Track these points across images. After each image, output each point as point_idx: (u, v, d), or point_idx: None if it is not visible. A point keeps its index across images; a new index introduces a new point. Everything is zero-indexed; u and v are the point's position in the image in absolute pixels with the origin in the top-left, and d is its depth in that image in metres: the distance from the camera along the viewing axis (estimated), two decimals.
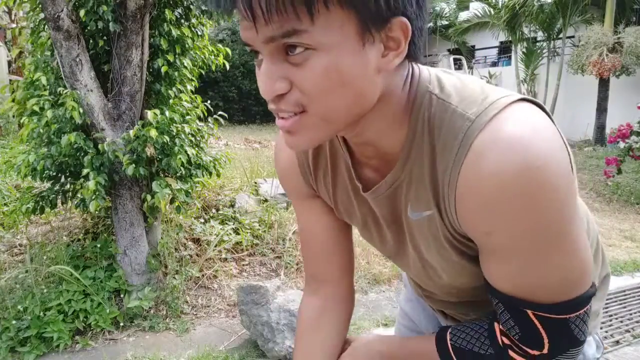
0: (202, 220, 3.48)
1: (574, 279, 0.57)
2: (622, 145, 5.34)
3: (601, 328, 2.60)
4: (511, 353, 0.63)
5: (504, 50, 15.95)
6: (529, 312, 0.59)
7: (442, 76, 0.61)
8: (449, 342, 0.70)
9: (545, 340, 0.60)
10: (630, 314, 2.82)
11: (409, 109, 0.60)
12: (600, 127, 10.50)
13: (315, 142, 0.57)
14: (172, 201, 2.76)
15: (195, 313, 2.75)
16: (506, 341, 0.64)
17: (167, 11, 2.69)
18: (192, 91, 3.12)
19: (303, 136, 0.56)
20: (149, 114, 2.46)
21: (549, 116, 0.56)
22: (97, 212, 2.56)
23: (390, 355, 0.76)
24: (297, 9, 0.46)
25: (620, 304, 2.95)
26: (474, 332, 0.68)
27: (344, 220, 0.81)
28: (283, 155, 0.79)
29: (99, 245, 2.74)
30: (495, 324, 0.66)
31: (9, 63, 7.94)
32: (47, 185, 2.77)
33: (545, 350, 0.60)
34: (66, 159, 2.47)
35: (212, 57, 3.14)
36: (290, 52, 0.50)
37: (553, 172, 0.50)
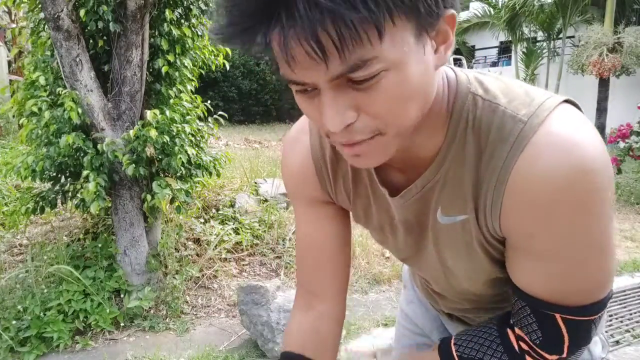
0: (202, 220, 3.48)
1: (603, 282, 0.57)
2: (622, 145, 5.34)
3: None
4: (528, 359, 0.62)
5: (504, 50, 15.96)
6: (557, 316, 0.58)
7: (481, 78, 0.60)
8: (454, 353, 0.67)
9: (566, 344, 0.59)
10: (630, 314, 2.82)
11: (448, 110, 0.58)
12: (600, 127, 10.49)
13: (387, 158, 0.55)
14: (172, 201, 2.76)
15: (195, 313, 2.75)
16: (524, 346, 0.62)
17: (167, 11, 2.69)
18: (192, 91, 3.12)
19: (375, 156, 0.53)
20: (149, 114, 2.46)
21: None
22: (97, 212, 2.56)
23: None
24: (368, 33, 0.42)
25: (620, 304, 2.95)
26: (483, 339, 0.66)
27: (360, 223, 0.78)
28: (295, 160, 0.75)
29: (99, 245, 2.74)
30: (508, 330, 0.64)
31: (9, 63, 7.94)
32: (47, 185, 2.77)
33: (564, 355, 0.60)
34: (65, 159, 2.47)
35: (212, 57, 3.14)
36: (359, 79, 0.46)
37: (605, 176, 0.51)
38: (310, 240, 0.79)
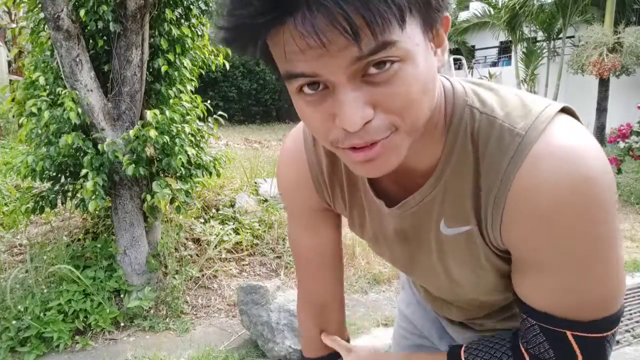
0: (202, 220, 3.48)
1: (613, 295, 0.56)
2: (622, 145, 5.34)
3: None
4: None
5: (504, 50, 15.96)
6: (568, 333, 0.56)
7: (478, 90, 0.60)
8: (462, 355, 0.66)
9: None
10: (630, 314, 2.82)
11: (445, 121, 0.58)
12: (600, 127, 10.50)
13: (399, 162, 0.52)
14: (172, 201, 2.76)
15: (195, 313, 2.75)
16: None
17: (167, 11, 2.69)
18: (192, 91, 3.12)
19: (390, 159, 0.51)
20: (149, 114, 2.46)
21: None
22: (97, 212, 2.56)
23: None
24: (392, 17, 0.42)
25: None
26: (494, 350, 0.64)
27: (355, 232, 0.78)
28: (290, 170, 0.75)
29: (99, 245, 2.74)
30: (521, 346, 0.62)
31: (9, 63, 7.94)
32: (47, 185, 2.77)
33: None
34: (65, 159, 2.47)
35: (212, 57, 3.14)
36: (377, 68, 0.45)
37: (606, 184, 0.50)
38: (313, 252, 0.81)
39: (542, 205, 0.51)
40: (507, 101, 0.57)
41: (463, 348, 0.67)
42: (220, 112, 3.11)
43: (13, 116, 2.71)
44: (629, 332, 2.62)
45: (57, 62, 2.49)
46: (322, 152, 0.71)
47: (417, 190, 0.62)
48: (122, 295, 2.65)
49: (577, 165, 0.49)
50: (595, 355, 0.57)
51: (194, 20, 2.95)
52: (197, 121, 2.91)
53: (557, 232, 0.51)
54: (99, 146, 2.46)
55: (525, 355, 0.61)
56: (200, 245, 3.21)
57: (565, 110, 0.56)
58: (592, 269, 0.53)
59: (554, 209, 0.50)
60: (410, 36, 0.45)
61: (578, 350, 0.56)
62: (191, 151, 2.63)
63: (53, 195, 2.70)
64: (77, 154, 2.50)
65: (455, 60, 15.27)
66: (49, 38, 2.56)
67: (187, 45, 2.88)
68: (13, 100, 2.65)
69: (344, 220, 0.80)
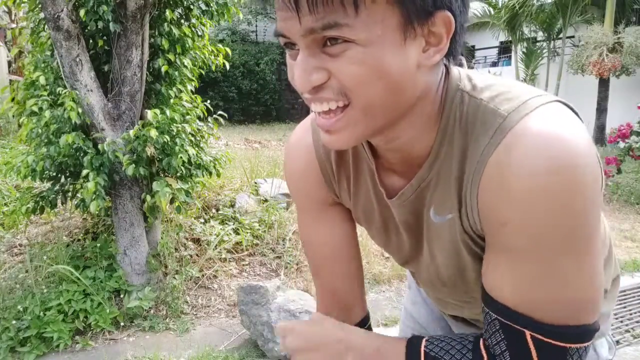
0: (202, 220, 3.48)
1: (584, 303, 0.53)
2: (622, 145, 5.34)
3: None
4: None
5: (504, 50, 15.95)
6: (527, 333, 0.53)
7: (472, 74, 0.60)
8: (422, 348, 0.62)
9: None
10: (630, 314, 2.82)
11: (440, 109, 0.58)
12: (600, 127, 10.50)
13: (356, 139, 0.56)
14: (172, 201, 2.76)
15: (195, 313, 2.75)
16: None
17: (167, 11, 2.70)
18: (192, 91, 3.12)
19: (345, 133, 0.55)
20: (149, 114, 2.46)
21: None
22: (97, 212, 2.56)
23: (349, 346, 0.66)
24: (344, 1, 0.46)
25: (620, 304, 2.95)
26: (456, 342, 0.61)
27: (361, 224, 0.78)
28: (299, 160, 0.75)
29: (99, 245, 2.74)
30: (481, 342, 0.59)
31: (9, 63, 7.94)
32: (47, 185, 2.77)
33: None
34: (65, 159, 2.47)
35: (212, 57, 3.14)
36: (330, 42, 0.49)
37: (583, 172, 0.48)
38: (329, 248, 0.77)
39: (512, 180, 0.50)
40: (498, 87, 0.57)
41: (425, 339, 0.64)
42: (220, 112, 3.11)
43: (13, 116, 2.71)
44: (629, 332, 2.62)
45: (57, 62, 2.49)
46: None
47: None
48: (122, 295, 2.65)
49: (557, 148, 0.48)
50: None
51: (194, 21, 2.95)
52: (197, 121, 2.91)
53: (527, 211, 0.50)
54: (99, 146, 2.46)
55: (484, 353, 0.58)
56: (200, 245, 3.21)
57: (562, 104, 0.55)
58: (562, 264, 0.51)
59: (526, 187, 0.49)
60: (368, 24, 0.47)
61: (535, 356, 0.53)
62: (191, 151, 2.63)
63: (53, 195, 2.70)
64: (77, 154, 2.50)
65: None
66: (49, 38, 2.56)
67: (187, 45, 2.88)
68: (13, 100, 2.65)
69: None
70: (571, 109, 0.56)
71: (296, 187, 0.77)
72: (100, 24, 2.46)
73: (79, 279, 2.51)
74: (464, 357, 0.59)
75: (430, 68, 0.54)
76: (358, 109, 0.52)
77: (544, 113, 0.52)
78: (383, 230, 0.74)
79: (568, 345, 0.52)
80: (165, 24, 2.74)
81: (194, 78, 3.12)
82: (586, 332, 0.53)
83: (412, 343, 0.64)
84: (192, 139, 2.76)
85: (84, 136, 2.45)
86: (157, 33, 2.74)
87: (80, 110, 2.39)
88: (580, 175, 0.48)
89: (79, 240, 3.01)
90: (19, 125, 2.74)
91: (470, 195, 0.56)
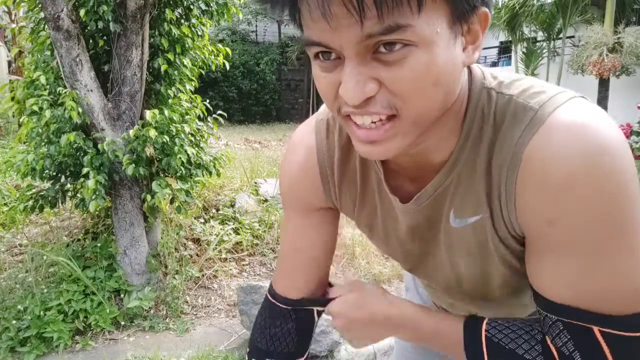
0: (202, 220, 3.48)
1: None
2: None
3: None
4: None
5: (504, 50, 15.95)
6: (595, 329, 0.50)
7: (495, 72, 0.59)
8: (483, 332, 0.58)
9: None
10: None
11: (463, 111, 0.56)
12: None
13: (400, 150, 0.51)
14: (172, 201, 2.76)
15: (195, 313, 2.75)
16: None
17: (167, 11, 2.70)
18: (192, 91, 3.12)
19: (391, 144, 0.50)
20: (148, 114, 2.46)
21: None
22: (97, 212, 2.56)
23: (401, 322, 0.65)
24: (409, 1, 0.42)
25: None
26: (522, 331, 0.57)
27: (364, 232, 0.76)
28: (297, 162, 0.72)
29: (99, 245, 2.74)
30: (548, 340, 0.55)
31: (9, 63, 7.94)
32: (47, 184, 2.77)
33: None
34: (66, 158, 2.47)
35: (212, 57, 3.14)
36: (386, 49, 0.45)
37: (623, 158, 0.48)
38: (297, 248, 0.76)
39: (554, 175, 0.49)
40: (524, 82, 0.56)
41: (486, 321, 0.60)
42: (220, 112, 3.11)
43: (13, 115, 2.71)
44: None
45: (57, 62, 2.49)
46: (335, 147, 0.68)
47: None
48: (122, 295, 2.65)
49: (593, 137, 0.48)
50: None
51: (194, 20, 2.95)
52: (197, 121, 2.91)
53: (571, 204, 0.49)
54: (99, 146, 2.46)
55: (554, 350, 0.54)
56: (200, 245, 3.21)
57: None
58: (613, 251, 0.49)
59: (566, 180, 0.48)
60: (429, 23, 0.44)
61: (608, 350, 0.50)
62: (191, 151, 2.63)
63: (53, 195, 2.70)
64: (77, 153, 2.50)
65: None
66: (48, 37, 2.56)
67: (187, 45, 2.88)
68: (12, 99, 2.65)
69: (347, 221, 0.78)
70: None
71: (290, 191, 0.75)
72: (100, 24, 2.46)
73: (79, 277, 2.51)
74: (532, 349, 0.55)
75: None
76: (409, 120, 0.49)
77: (574, 106, 0.52)
78: (385, 237, 0.72)
79: (638, 334, 0.50)
80: (165, 23, 2.74)
81: (193, 78, 3.12)
82: None
83: (471, 324, 0.60)
84: (192, 139, 2.76)
85: (84, 136, 2.45)
86: (157, 33, 2.74)
87: (80, 110, 2.39)
88: (620, 159, 0.48)
89: (79, 240, 3.01)
90: (19, 125, 2.74)
91: (505, 191, 0.54)
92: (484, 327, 0.59)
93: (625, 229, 0.49)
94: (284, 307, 0.77)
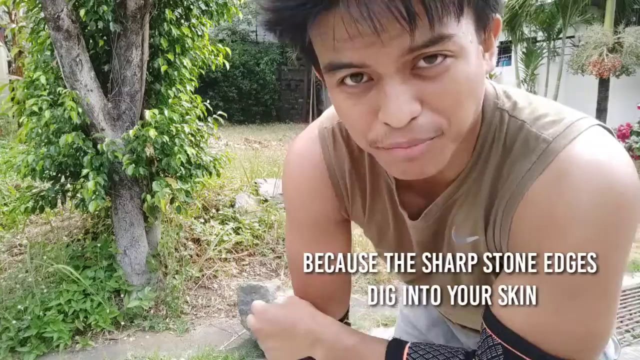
0: (202, 220, 3.48)
1: (596, 338, 0.50)
2: (621, 145, 5.34)
3: None
4: None
5: (504, 50, 15.95)
6: None
7: (508, 90, 0.57)
8: (405, 355, 0.58)
9: None
10: (631, 314, 2.82)
11: (477, 126, 0.54)
12: None
13: (439, 167, 0.49)
14: (172, 201, 2.76)
15: (195, 313, 2.75)
16: None
17: (167, 11, 2.70)
18: (191, 91, 3.12)
19: (432, 162, 0.47)
20: (148, 114, 2.46)
21: None
22: (97, 212, 2.56)
23: (319, 338, 0.62)
24: (451, 9, 0.40)
25: (621, 303, 2.95)
26: (444, 357, 0.56)
27: (372, 240, 0.73)
28: (305, 175, 0.67)
29: (99, 245, 2.74)
30: None
31: (9, 63, 7.94)
32: (47, 185, 2.77)
33: None
34: (65, 159, 2.47)
35: (212, 57, 3.14)
36: (427, 62, 0.42)
37: (633, 212, 0.46)
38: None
39: (561, 209, 0.47)
40: (539, 106, 0.54)
41: (408, 345, 0.59)
42: (220, 112, 3.10)
43: (13, 116, 2.71)
44: (629, 332, 2.62)
45: (57, 62, 2.49)
46: (345, 156, 0.65)
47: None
48: (122, 295, 2.65)
49: (609, 180, 0.46)
50: None
51: (194, 20, 2.95)
52: (197, 121, 2.91)
53: (567, 240, 0.47)
54: (99, 146, 2.46)
55: None
56: (200, 245, 3.21)
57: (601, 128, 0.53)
58: (588, 297, 0.48)
59: (572, 216, 0.46)
60: (464, 31, 0.42)
61: None
62: (191, 151, 2.63)
63: (53, 195, 2.70)
64: (77, 153, 2.50)
65: None
66: (48, 37, 2.56)
67: (187, 45, 2.88)
68: (12, 99, 2.65)
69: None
70: (609, 131, 0.53)
71: (299, 202, 0.69)
72: (100, 24, 2.46)
73: (78, 279, 2.51)
74: None
75: None
76: (451, 136, 0.46)
77: (589, 139, 0.49)
78: (395, 248, 0.70)
79: None
80: (165, 23, 2.74)
81: (193, 78, 3.11)
82: None
83: (394, 347, 0.59)
84: (192, 139, 2.76)
85: (84, 136, 2.45)
86: (156, 33, 2.74)
87: (80, 110, 2.39)
88: (630, 210, 0.46)
89: (78, 240, 3.01)
90: (19, 125, 2.74)
91: (502, 217, 0.53)
92: (406, 350, 0.58)
93: (607, 280, 0.48)
94: None
